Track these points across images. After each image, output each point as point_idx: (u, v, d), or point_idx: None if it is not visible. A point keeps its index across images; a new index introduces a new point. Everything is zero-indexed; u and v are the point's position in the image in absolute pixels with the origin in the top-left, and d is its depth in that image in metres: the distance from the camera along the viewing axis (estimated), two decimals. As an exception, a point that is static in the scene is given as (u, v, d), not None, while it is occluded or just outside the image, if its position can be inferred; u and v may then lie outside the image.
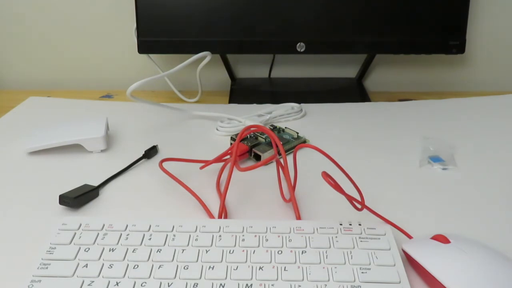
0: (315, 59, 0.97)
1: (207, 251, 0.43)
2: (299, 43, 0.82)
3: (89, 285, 0.40)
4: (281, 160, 0.64)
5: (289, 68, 0.98)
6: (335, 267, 0.41)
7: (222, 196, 0.51)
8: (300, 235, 0.45)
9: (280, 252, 0.43)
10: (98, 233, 0.45)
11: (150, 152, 0.64)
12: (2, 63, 0.99)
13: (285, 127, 0.70)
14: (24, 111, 0.81)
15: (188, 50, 0.82)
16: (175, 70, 0.74)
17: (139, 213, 0.52)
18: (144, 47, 0.83)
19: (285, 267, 0.41)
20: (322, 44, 0.82)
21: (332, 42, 0.82)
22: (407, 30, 0.81)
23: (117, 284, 0.40)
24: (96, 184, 0.57)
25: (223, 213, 0.50)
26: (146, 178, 0.59)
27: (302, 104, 0.82)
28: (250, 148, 0.63)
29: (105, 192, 0.56)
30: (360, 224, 0.46)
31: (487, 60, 0.96)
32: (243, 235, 0.45)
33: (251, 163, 0.63)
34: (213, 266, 0.41)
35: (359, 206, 0.47)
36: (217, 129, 0.72)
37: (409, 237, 0.47)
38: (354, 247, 0.43)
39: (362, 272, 0.40)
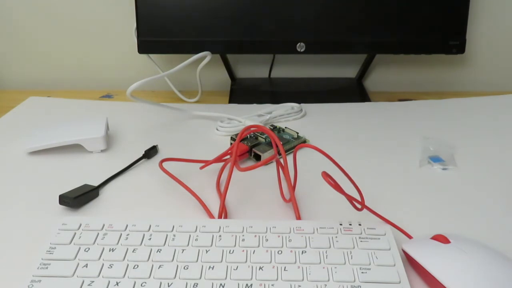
0: (315, 59, 0.97)
1: (207, 251, 0.43)
2: (299, 43, 0.82)
3: (89, 285, 0.40)
4: (281, 160, 0.64)
5: (289, 68, 0.98)
6: (335, 267, 0.41)
7: (222, 196, 0.51)
8: (300, 235, 0.45)
9: (280, 252, 0.43)
10: (98, 233, 0.45)
11: (150, 152, 0.64)
12: (2, 63, 0.99)
13: (285, 127, 0.70)
14: (24, 111, 0.81)
15: (188, 50, 0.82)
16: (175, 70, 0.74)
17: (139, 213, 0.52)
18: (144, 47, 0.83)
19: (285, 267, 0.41)
20: (322, 44, 0.82)
21: (332, 42, 0.82)
22: (407, 30, 0.81)
23: (117, 284, 0.40)
24: (96, 184, 0.57)
25: (223, 213, 0.50)
26: (146, 178, 0.59)
27: (302, 104, 0.82)
28: (250, 148, 0.63)
29: (105, 192, 0.56)
30: (360, 224, 0.46)
31: (487, 60, 0.96)
32: (243, 235, 0.45)
33: (251, 163, 0.63)
34: (213, 266, 0.41)
35: (359, 206, 0.47)
36: (217, 129, 0.72)
37: (409, 237, 0.47)
38: (354, 247, 0.43)
39: (362, 272, 0.40)
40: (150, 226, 0.46)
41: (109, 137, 0.70)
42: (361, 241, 0.44)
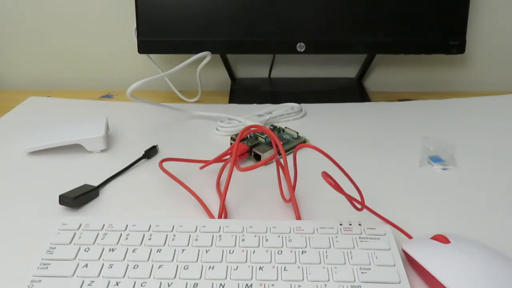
0: (315, 59, 0.97)
1: (207, 251, 0.43)
2: (299, 43, 0.82)
3: (89, 285, 0.40)
4: (281, 160, 0.64)
5: (289, 68, 0.98)
6: (335, 267, 0.41)
7: (222, 196, 0.51)
8: (300, 235, 0.45)
9: (280, 252, 0.43)
10: (98, 233, 0.45)
11: (150, 152, 0.64)
12: (2, 63, 0.99)
13: (285, 127, 0.70)
14: (24, 111, 0.81)
15: (188, 50, 0.82)
16: (175, 70, 0.74)
17: (139, 213, 0.52)
18: (144, 47, 0.83)
19: (285, 267, 0.41)
20: (322, 44, 0.82)
21: (332, 42, 0.82)
22: (407, 30, 0.81)
23: (117, 284, 0.40)
24: (96, 184, 0.57)
25: (223, 213, 0.50)
26: (146, 178, 0.59)
27: (302, 104, 0.82)
28: (250, 148, 0.63)
29: (105, 192, 0.56)
30: (360, 224, 0.46)
31: (487, 60, 0.96)
32: (243, 235, 0.45)
33: (251, 163, 0.63)
34: (213, 266, 0.41)
35: (359, 206, 0.47)
36: (217, 129, 0.72)
37: (409, 237, 0.47)
38: (354, 247, 0.43)
39: (362, 272, 0.40)
40: (150, 226, 0.46)
41: (109, 137, 0.70)
42: (361, 241, 0.44)
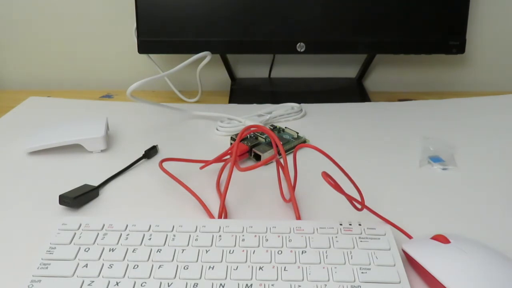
0: (315, 59, 0.97)
1: (207, 251, 0.43)
2: (299, 43, 0.82)
3: (89, 285, 0.40)
4: (281, 160, 0.64)
5: (289, 68, 0.98)
6: (335, 267, 0.41)
7: (222, 196, 0.51)
8: (300, 235, 0.45)
9: (280, 252, 0.43)
10: (98, 233, 0.45)
11: (150, 152, 0.64)
12: (2, 63, 0.99)
13: (285, 127, 0.70)
14: (24, 111, 0.81)
15: (188, 50, 0.82)
16: (175, 70, 0.74)
17: (139, 213, 0.52)
18: (144, 47, 0.83)
19: (285, 267, 0.41)
20: (322, 44, 0.82)
21: (332, 42, 0.82)
22: (407, 30, 0.81)
23: (117, 284, 0.40)
24: (96, 184, 0.57)
25: (223, 213, 0.50)
26: (146, 178, 0.59)
27: (302, 104, 0.82)
28: (250, 148, 0.63)
29: (105, 192, 0.56)
30: (360, 224, 0.46)
31: (487, 60, 0.96)
32: (243, 235, 0.45)
33: (251, 163, 0.63)
34: (213, 266, 0.41)
35: (359, 206, 0.47)
36: (217, 129, 0.72)
37: (409, 237, 0.47)
38: (354, 247, 0.43)
39: (362, 272, 0.40)
40: (150, 226, 0.46)
41: (109, 137, 0.70)
42: (361, 241, 0.44)
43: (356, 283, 0.39)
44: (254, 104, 0.83)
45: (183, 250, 0.43)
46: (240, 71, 0.98)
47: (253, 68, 0.98)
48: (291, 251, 0.43)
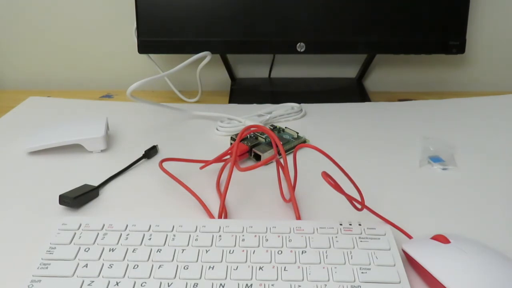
0: (315, 59, 0.97)
1: (207, 251, 0.43)
2: (299, 43, 0.82)
3: (89, 285, 0.40)
4: (281, 160, 0.64)
5: (289, 68, 0.98)
6: (335, 267, 0.41)
7: (222, 196, 0.51)
8: (300, 235, 0.45)
9: (280, 252, 0.43)
10: (98, 233, 0.45)
11: (150, 152, 0.64)
12: (3, 63, 0.99)
13: (285, 127, 0.70)
14: (24, 111, 0.81)
15: (188, 50, 0.82)
16: (175, 70, 0.74)
17: (139, 213, 0.52)
18: (144, 47, 0.83)
19: (285, 267, 0.41)
20: (322, 44, 0.82)
21: (332, 42, 0.82)
22: (407, 30, 0.81)
23: (117, 284, 0.40)
24: (96, 184, 0.57)
25: (223, 213, 0.50)
26: (146, 178, 0.59)
27: (302, 104, 0.82)
28: (250, 148, 0.63)
29: (105, 192, 0.56)
30: (360, 224, 0.46)
31: (487, 60, 0.96)
32: (243, 235, 0.45)
33: (251, 163, 0.63)
34: (213, 266, 0.41)
35: (359, 206, 0.47)
36: (217, 129, 0.72)
37: (409, 237, 0.47)
38: (354, 247, 0.43)
39: (362, 272, 0.40)
40: (150, 226, 0.46)
41: (109, 137, 0.70)
42: (361, 241, 0.44)
43: (356, 283, 0.39)
44: (254, 104, 0.83)
45: (183, 250, 0.43)
46: (240, 71, 0.98)
47: (253, 68, 0.98)
48: (291, 251, 0.43)
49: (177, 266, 0.41)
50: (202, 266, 0.41)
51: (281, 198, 0.54)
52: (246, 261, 0.42)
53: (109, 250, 0.43)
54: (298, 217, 0.50)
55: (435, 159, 0.62)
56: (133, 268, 0.41)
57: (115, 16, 0.94)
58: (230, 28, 0.81)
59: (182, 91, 0.92)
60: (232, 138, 0.67)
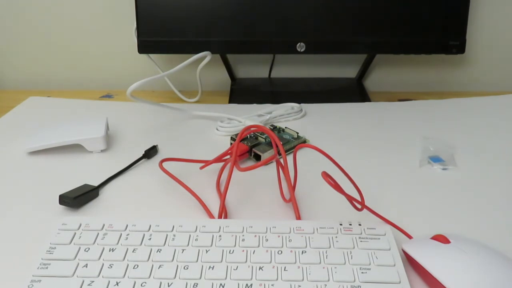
0: (315, 59, 0.97)
1: (207, 251, 0.43)
2: (299, 43, 0.82)
3: (89, 285, 0.40)
4: (281, 160, 0.64)
5: (289, 68, 0.98)
6: (335, 267, 0.41)
7: (222, 196, 0.51)
8: (300, 235, 0.45)
9: (280, 252, 0.43)
10: (98, 233, 0.45)
11: (150, 152, 0.64)
12: (3, 63, 0.99)
13: (285, 127, 0.70)
14: (24, 111, 0.81)
15: (188, 50, 0.82)
16: (175, 70, 0.74)
17: (139, 213, 0.52)
18: (144, 47, 0.83)
19: (285, 267, 0.41)
20: (322, 44, 0.82)
21: (332, 42, 0.82)
22: (407, 30, 0.81)
23: (117, 284, 0.40)
24: (96, 184, 0.57)
25: (223, 213, 0.50)
26: (146, 178, 0.59)
27: (302, 104, 0.82)
28: (250, 148, 0.63)
29: (105, 192, 0.56)
30: (360, 224, 0.46)
31: (487, 60, 0.96)
32: (243, 235, 0.45)
33: (251, 163, 0.63)
34: (213, 266, 0.41)
35: (359, 206, 0.47)
36: (217, 129, 0.72)
37: (409, 237, 0.47)
38: (354, 247, 0.43)
39: (362, 272, 0.40)
40: (150, 226, 0.46)
41: (109, 137, 0.70)
42: (361, 241, 0.44)
43: (356, 283, 0.39)
44: (254, 104, 0.83)
45: (183, 250, 0.43)
46: (240, 71, 0.98)
47: (253, 68, 0.98)
48: (291, 251, 0.43)
49: (177, 266, 0.41)
50: (202, 266, 0.41)
51: (281, 198, 0.54)
52: (246, 261, 0.42)
53: (109, 250, 0.43)
54: (298, 217, 0.50)
55: (435, 159, 0.62)
56: (133, 268, 0.41)
57: (115, 16, 0.94)
58: (230, 28, 0.81)
59: (182, 91, 0.92)
60: (232, 138, 0.67)
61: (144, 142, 0.69)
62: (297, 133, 0.68)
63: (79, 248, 0.43)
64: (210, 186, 0.57)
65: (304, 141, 0.68)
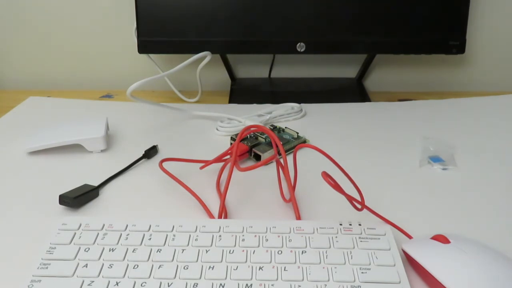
0: (315, 59, 0.97)
1: (207, 251, 0.43)
2: (299, 43, 0.82)
3: (89, 285, 0.40)
4: (281, 160, 0.64)
5: (289, 68, 0.98)
6: (335, 267, 0.41)
7: (222, 196, 0.51)
8: (300, 235, 0.45)
9: (280, 252, 0.43)
10: (98, 233, 0.45)
11: (150, 152, 0.64)
12: (3, 63, 0.99)
13: (285, 127, 0.70)
14: (24, 111, 0.81)
15: (188, 50, 0.82)
16: (175, 70, 0.74)
17: (139, 213, 0.52)
18: (144, 47, 0.83)
19: (285, 267, 0.41)
20: (322, 44, 0.82)
21: (332, 42, 0.82)
22: (407, 30, 0.81)
23: (117, 284, 0.40)
24: (96, 184, 0.57)
25: (223, 213, 0.50)
26: (146, 178, 0.59)
27: (302, 104, 0.82)
28: (250, 148, 0.63)
29: (105, 192, 0.56)
30: (360, 224, 0.46)
31: (487, 60, 0.96)
32: (243, 235, 0.45)
33: (251, 163, 0.63)
34: (213, 266, 0.41)
35: (359, 206, 0.47)
36: (217, 129, 0.72)
37: (409, 237, 0.47)
38: (354, 247, 0.43)
39: (362, 272, 0.40)
40: (150, 226, 0.46)
41: (109, 137, 0.70)
42: (361, 241, 0.44)
43: (356, 283, 0.39)
44: (254, 104, 0.83)
45: (183, 250, 0.43)
46: (240, 71, 0.98)
47: (253, 68, 0.98)
48: (291, 251, 0.43)
49: (177, 266, 0.41)
50: (202, 266, 0.41)
51: (281, 198, 0.54)
52: (246, 261, 0.42)
53: (109, 250, 0.43)
54: (298, 217, 0.50)
55: (435, 159, 0.62)
56: (133, 268, 0.41)
57: (115, 16, 0.94)
58: (230, 28, 0.81)
59: (182, 91, 0.92)
60: (232, 138, 0.67)
61: (144, 142, 0.69)
62: (297, 133, 0.68)
63: (79, 248, 0.43)
64: (210, 186, 0.57)
65: (304, 141, 0.68)
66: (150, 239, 0.44)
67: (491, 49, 0.95)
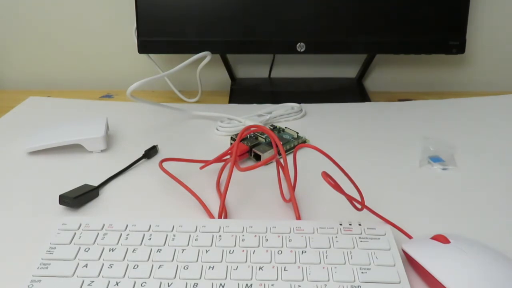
0: (315, 59, 0.97)
1: (207, 251, 0.43)
2: (299, 43, 0.82)
3: (89, 285, 0.40)
4: (281, 160, 0.64)
5: (289, 68, 0.98)
6: (335, 267, 0.41)
7: (222, 196, 0.51)
8: (300, 235, 0.45)
9: (280, 252, 0.43)
10: (98, 233, 0.45)
11: (150, 152, 0.64)
12: (3, 62, 0.99)
13: (285, 127, 0.70)
14: (24, 111, 0.81)
15: (188, 50, 0.82)
16: (175, 70, 0.74)
17: (139, 213, 0.52)
18: (144, 47, 0.83)
19: (285, 267, 0.41)
20: (322, 44, 0.82)
21: (332, 42, 0.82)
22: (407, 30, 0.81)
23: (117, 284, 0.40)
24: (96, 184, 0.57)
25: (223, 213, 0.50)
26: (146, 178, 0.59)
27: (302, 104, 0.82)
28: (250, 148, 0.63)
29: (105, 192, 0.56)
30: (360, 224, 0.46)
31: (487, 60, 0.96)
32: (243, 235, 0.45)
33: (251, 163, 0.63)
34: (213, 266, 0.41)
35: (359, 206, 0.47)
36: (217, 129, 0.72)
37: (409, 237, 0.47)
38: (354, 247, 0.43)
39: (362, 272, 0.40)
40: (150, 226, 0.46)
41: (109, 137, 0.70)
42: (361, 241, 0.44)
43: (356, 283, 0.39)
44: (254, 104, 0.83)
45: (183, 250, 0.43)
46: (240, 71, 0.98)
47: (253, 68, 0.98)
48: (291, 251, 0.43)
49: (177, 266, 0.41)
50: (202, 266, 0.41)
51: (281, 198, 0.54)
52: (246, 261, 0.42)
53: (109, 250, 0.43)
54: (298, 217, 0.50)
55: (435, 159, 0.62)
56: (133, 268, 0.41)
57: (115, 16, 0.94)
58: (230, 28, 0.81)
59: (182, 91, 0.92)
60: (232, 138, 0.67)
61: (144, 142, 0.69)
62: (297, 133, 0.68)
63: (79, 248, 0.43)
64: (210, 186, 0.57)
65: (304, 141, 0.68)
66: (150, 239, 0.44)
67: (491, 49, 0.95)
